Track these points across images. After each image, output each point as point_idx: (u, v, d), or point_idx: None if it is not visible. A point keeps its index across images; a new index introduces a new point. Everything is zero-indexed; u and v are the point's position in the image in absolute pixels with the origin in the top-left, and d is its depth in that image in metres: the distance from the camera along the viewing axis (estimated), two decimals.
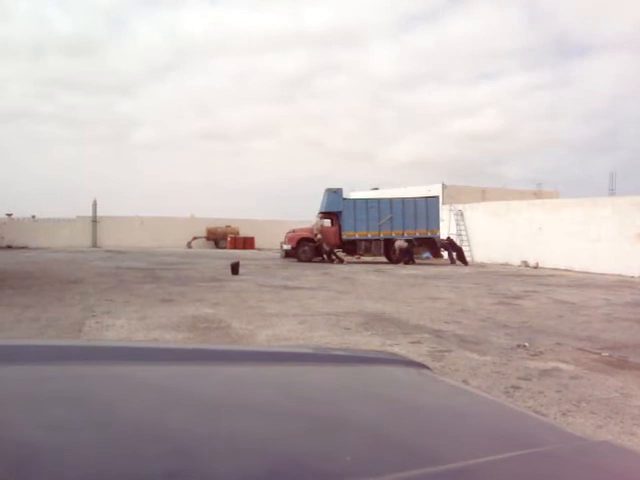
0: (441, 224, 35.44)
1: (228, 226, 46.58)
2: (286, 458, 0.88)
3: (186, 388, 1.22)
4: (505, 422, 1.11)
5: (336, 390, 1.24)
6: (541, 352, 8.10)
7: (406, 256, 29.01)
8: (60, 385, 1.18)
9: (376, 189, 43.44)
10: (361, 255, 31.22)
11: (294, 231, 31.21)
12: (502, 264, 29.32)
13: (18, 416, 1.01)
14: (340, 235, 30.34)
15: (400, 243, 29.15)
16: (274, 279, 19.04)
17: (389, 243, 30.17)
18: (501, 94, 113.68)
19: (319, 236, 29.64)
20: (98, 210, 45.07)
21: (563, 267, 25.94)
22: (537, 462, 0.87)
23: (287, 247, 30.74)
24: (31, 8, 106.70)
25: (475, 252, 32.76)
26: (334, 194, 30.63)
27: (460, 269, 26.23)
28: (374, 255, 31.09)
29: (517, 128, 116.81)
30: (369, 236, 30.49)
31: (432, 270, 25.17)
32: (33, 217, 47.28)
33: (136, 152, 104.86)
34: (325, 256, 29.66)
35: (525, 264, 28.25)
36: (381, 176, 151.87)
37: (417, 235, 30.02)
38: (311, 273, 22.15)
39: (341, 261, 29.22)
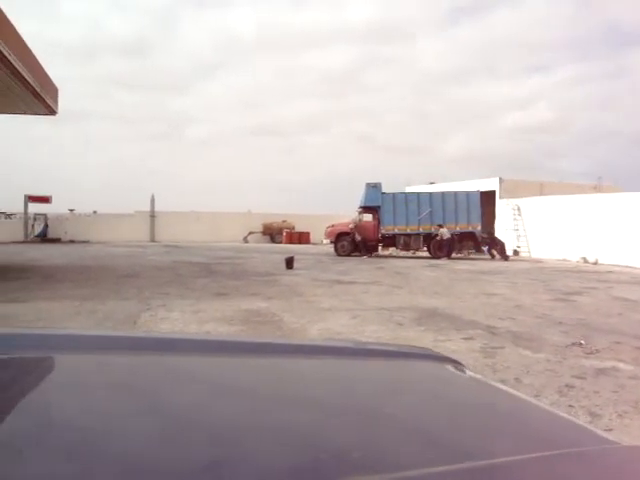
0: (497, 219, 35.00)
1: (284, 221, 46.83)
2: (316, 450, 0.90)
3: (230, 379, 1.26)
4: (535, 421, 1.10)
5: (366, 383, 1.26)
6: (598, 350, 7.91)
7: (445, 249, 28.75)
8: (111, 374, 1.24)
9: (433, 183, 43.00)
10: (384, 249, 31.18)
11: (333, 226, 31.33)
12: (560, 260, 28.70)
13: (71, 402, 1.07)
14: (379, 229, 30.26)
15: (444, 232, 28.86)
16: (328, 273, 19.09)
17: (428, 238, 29.87)
18: (554, 86, 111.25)
19: (354, 230, 29.69)
20: (156, 205, 45.93)
21: (624, 263, 25.23)
22: (565, 463, 0.86)
23: (326, 241, 30.92)
24: (85, 11, 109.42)
25: (532, 248, 32.18)
26: (373, 188, 30.52)
27: (516, 264, 25.77)
28: (414, 249, 30.83)
29: (572, 120, 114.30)
30: (408, 230, 30.23)
31: (486, 265, 24.83)
32: (94, 212, 48.51)
33: (191, 148, 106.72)
34: (362, 250, 29.69)
35: (584, 260, 27.59)
36: (437, 170, 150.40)
37: (458, 229, 29.61)
38: (365, 268, 22.15)
39: (371, 254, 29.56)
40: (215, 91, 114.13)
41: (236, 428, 0.96)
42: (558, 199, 30.78)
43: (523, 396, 1.29)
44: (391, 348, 1.68)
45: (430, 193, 31.64)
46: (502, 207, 35.02)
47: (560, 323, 10.09)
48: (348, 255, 29.04)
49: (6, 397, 1.05)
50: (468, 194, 30.60)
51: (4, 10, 12.31)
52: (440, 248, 29.02)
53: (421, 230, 30.10)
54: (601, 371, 6.79)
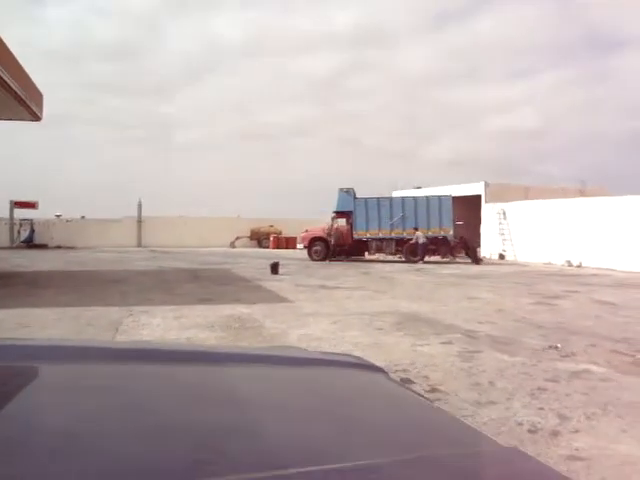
0: (483, 223, 35.19)
1: (271, 226, 46.87)
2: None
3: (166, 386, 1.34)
4: (431, 425, 1.19)
5: (287, 390, 1.34)
6: (573, 353, 8.03)
7: (420, 253, 28.95)
8: (95, 382, 1.32)
9: (419, 187, 43.15)
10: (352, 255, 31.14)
11: (307, 231, 31.61)
12: (545, 263, 28.91)
13: (56, 407, 1.14)
14: (352, 234, 30.46)
15: (419, 235, 28.99)
16: (313, 279, 19.17)
17: (401, 242, 30.01)
18: (539, 90, 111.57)
19: (328, 235, 30.03)
20: (144, 210, 45.89)
21: (607, 266, 25.44)
22: (440, 463, 0.95)
23: (300, 246, 31.12)
24: (70, 15, 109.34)
25: (518, 251, 32.38)
26: (346, 194, 30.77)
27: (501, 268, 25.93)
28: (385, 254, 30.93)
29: (557, 124, 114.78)
30: (380, 235, 30.41)
31: (471, 270, 25.00)
32: (83, 217, 48.33)
33: (178, 153, 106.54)
34: (335, 255, 30.01)
35: (568, 263, 27.81)
36: (423, 174, 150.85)
37: (430, 234, 29.72)
38: (351, 273, 22.24)
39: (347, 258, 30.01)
40: (202, 96, 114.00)
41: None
42: (543, 203, 31.02)
43: (431, 404, 1.37)
44: (324, 357, 1.76)
45: (402, 198, 31.89)
46: (488, 211, 35.24)
47: (539, 327, 10.22)
48: (322, 260, 29.30)
49: None
50: (440, 198, 30.80)
51: None
52: (413, 252, 29.17)
53: (393, 235, 30.30)
54: (574, 374, 6.91)
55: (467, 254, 29.99)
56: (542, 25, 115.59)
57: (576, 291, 16.32)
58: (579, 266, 27.03)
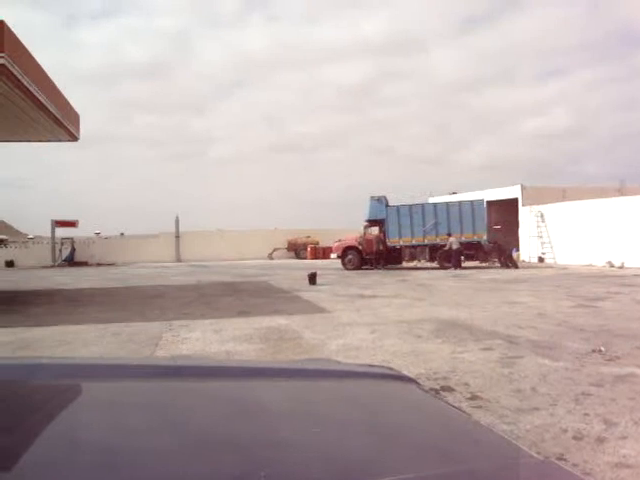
0: (521, 226, 34.79)
1: (308, 237, 47.08)
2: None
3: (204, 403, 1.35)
4: (465, 437, 1.17)
5: (320, 405, 1.34)
6: (618, 357, 7.86)
7: (454, 259, 28.71)
8: (132, 399, 1.35)
9: (455, 193, 42.92)
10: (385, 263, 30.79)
11: (340, 240, 31.67)
12: (586, 265, 28.44)
13: (103, 423, 1.17)
14: (385, 242, 30.30)
15: (453, 241, 28.80)
16: (351, 288, 19.13)
17: (434, 249, 29.83)
18: (571, 90, 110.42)
19: (361, 244, 30.12)
20: (181, 225, 46.43)
21: None
22: (476, 476, 0.93)
23: (333, 256, 31.22)
24: (103, 38, 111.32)
25: (557, 254, 31.94)
26: (377, 202, 30.81)
27: (541, 271, 25.62)
28: (419, 261, 30.90)
29: (592, 124, 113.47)
30: (414, 242, 30.33)
31: (510, 274, 24.71)
32: (122, 234, 49.13)
33: (213, 167, 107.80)
34: (369, 264, 30.10)
35: (610, 264, 27.32)
36: (458, 180, 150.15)
37: (463, 239, 29.49)
38: (388, 281, 22.16)
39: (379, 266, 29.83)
40: (234, 110, 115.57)
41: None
42: (581, 204, 30.54)
43: (468, 416, 1.35)
44: (356, 368, 1.75)
45: (434, 204, 31.74)
46: (525, 214, 34.82)
47: (581, 330, 10.03)
48: (355, 269, 29.28)
49: (33, 421, 1.15)
50: (473, 203, 30.58)
51: (25, 44, 12.63)
52: (447, 258, 28.96)
53: (426, 241, 30.14)
54: (619, 378, 6.75)
55: (500, 259, 29.66)
56: (572, 24, 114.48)
57: (619, 292, 16.01)
58: (621, 267, 26.52)
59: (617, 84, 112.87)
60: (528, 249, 34.24)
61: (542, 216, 33.43)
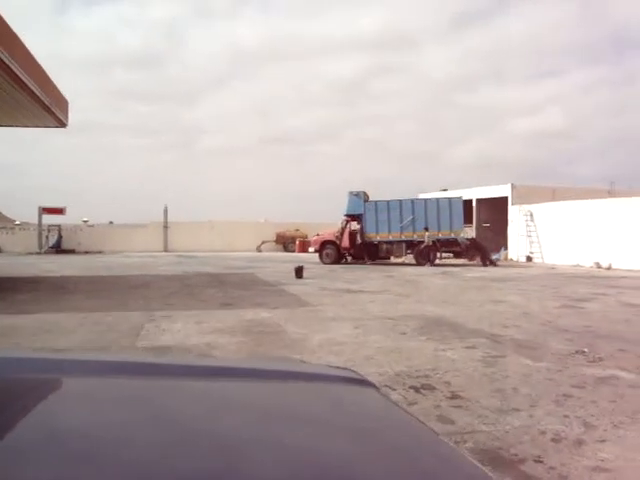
0: (510, 225, 34.84)
1: (297, 230, 47.02)
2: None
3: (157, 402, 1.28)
4: (419, 449, 1.10)
5: (269, 408, 1.28)
6: (600, 358, 7.82)
7: (427, 256, 28.86)
8: (119, 395, 1.33)
9: (445, 190, 42.91)
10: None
11: (318, 234, 31.97)
12: (573, 265, 28.51)
13: (84, 417, 1.15)
14: (363, 237, 30.48)
15: (425, 236, 28.96)
16: (337, 282, 19.08)
17: (411, 245, 29.98)
18: (565, 91, 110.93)
19: (338, 239, 30.38)
20: (170, 215, 46.24)
21: (638, 268, 24.98)
22: None
23: (311, 249, 31.41)
24: (96, 25, 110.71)
25: (545, 253, 32.02)
26: (355, 197, 30.94)
27: (528, 270, 25.65)
28: (396, 257, 30.98)
29: (585, 125, 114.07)
30: (390, 238, 30.39)
31: (497, 272, 24.71)
32: (111, 223, 48.91)
33: (204, 158, 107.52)
34: (346, 258, 30.79)
35: (597, 265, 27.39)
36: (449, 177, 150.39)
37: (440, 236, 29.60)
38: (375, 276, 22.12)
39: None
40: (227, 101, 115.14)
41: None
42: (571, 204, 30.60)
43: (422, 424, 1.28)
44: (318, 370, 1.69)
45: (412, 200, 31.72)
46: (515, 213, 34.87)
47: (566, 331, 10.00)
48: (333, 263, 29.45)
49: (10, 415, 1.12)
50: (450, 201, 30.67)
51: (11, 26, 12.45)
52: (422, 254, 29.07)
53: (403, 237, 30.21)
54: (601, 380, 6.71)
55: (480, 257, 29.83)
56: (567, 25, 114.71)
57: (604, 294, 16.02)
58: (608, 268, 26.59)
59: (611, 86, 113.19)
60: (517, 248, 34.29)
61: (531, 215, 33.48)
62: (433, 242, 29.17)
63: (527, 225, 33.55)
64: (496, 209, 36.33)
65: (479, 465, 1.02)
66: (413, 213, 30.16)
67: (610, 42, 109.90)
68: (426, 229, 28.98)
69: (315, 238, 31.97)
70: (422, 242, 29.19)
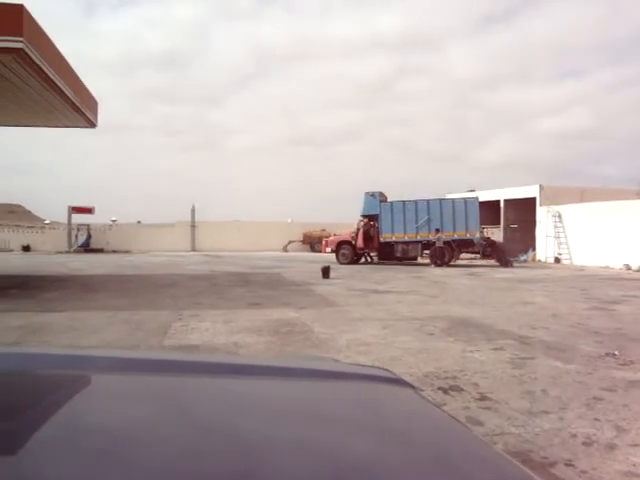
0: (538, 226, 34.51)
1: (323, 230, 46.98)
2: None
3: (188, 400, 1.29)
4: (459, 449, 1.09)
5: (308, 406, 1.28)
6: (632, 362, 7.72)
7: (440, 257, 28.72)
8: (143, 392, 1.33)
9: (472, 191, 42.61)
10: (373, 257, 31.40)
11: (335, 235, 32.21)
12: (602, 267, 28.14)
13: (107, 413, 1.16)
14: (378, 237, 30.48)
15: (438, 237, 28.81)
16: (364, 283, 19.06)
17: (427, 245, 29.84)
18: (593, 90, 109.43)
19: (354, 239, 30.44)
20: (197, 215, 46.51)
21: None
22: None
23: (328, 250, 31.31)
24: (121, 28, 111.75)
25: (574, 254, 31.65)
26: (371, 197, 30.98)
27: (557, 272, 25.38)
28: (412, 257, 30.79)
29: (613, 125, 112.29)
30: (406, 238, 30.29)
31: (526, 273, 24.49)
32: (139, 222, 49.31)
33: (230, 158, 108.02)
34: (367, 258, 31.04)
35: (627, 267, 27.00)
36: (476, 177, 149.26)
37: (455, 237, 29.44)
38: (403, 277, 22.04)
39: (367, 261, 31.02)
40: (252, 102, 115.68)
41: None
42: (600, 205, 30.20)
43: (463, 426, 1.27)
44: (353, 369, 1.69)
45: (428, 201, 31.48)
46: (543, 214, 34.52)
47: (596, 333, 9.89)
48: (349, 263, 29.46)
49: (37, 410, 1.14)
50: (466, 201, 30.55)
51: (45, 30, 12.64)
52: (437, 255, 28.98)
53: (419, 237, 30.08)
54: (632, 383, 6.62)
55: (498, 257, 29.67)
56: (593, 24, 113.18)
57: (635, 296, 15.80)
58: (638, 270, 26.21)
59: (637, 87, 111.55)
60: (545, 249, 33.96)
61: (560, 216, 33.12)
62: (447, 243, 29.06)
63: (555, 226, 33.20)
64: (524, 210, 36.00)
65: (529, 471, 1.01)
66: (428, 213, 30.10)
67: (636, 41, 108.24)
68: (437, 230, 28.85)
69: (332, 238, 32.14)
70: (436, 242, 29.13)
